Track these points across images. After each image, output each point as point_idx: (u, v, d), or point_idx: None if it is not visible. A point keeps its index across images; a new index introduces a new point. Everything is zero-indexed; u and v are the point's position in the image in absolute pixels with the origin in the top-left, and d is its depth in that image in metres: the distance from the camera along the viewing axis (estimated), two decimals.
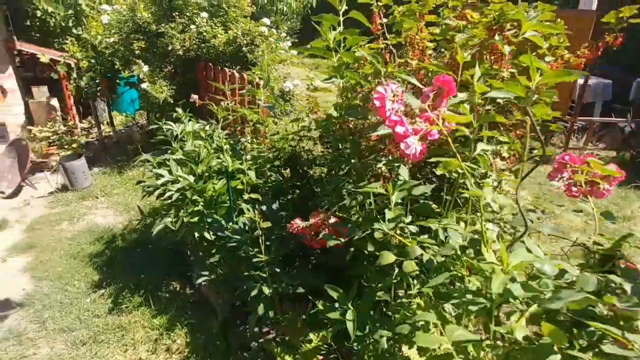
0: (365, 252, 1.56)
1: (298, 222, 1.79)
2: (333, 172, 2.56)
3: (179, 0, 4.34)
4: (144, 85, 4.18)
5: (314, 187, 2.80)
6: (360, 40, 1.96)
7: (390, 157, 1.82)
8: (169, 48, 4.20)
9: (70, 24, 5.40)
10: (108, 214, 3.97)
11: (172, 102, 4.42)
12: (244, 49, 4.11)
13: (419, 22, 1.74)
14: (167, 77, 4.47)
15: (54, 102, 6.00)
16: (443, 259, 1.32)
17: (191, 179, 2.42)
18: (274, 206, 2.44)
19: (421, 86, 1.71)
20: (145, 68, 4.20)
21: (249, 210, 2.52)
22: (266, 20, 4.28)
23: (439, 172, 1.74)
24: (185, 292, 2.84)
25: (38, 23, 6.14)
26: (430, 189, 1.47)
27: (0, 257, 3.32)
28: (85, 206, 4.12)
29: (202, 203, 2.43)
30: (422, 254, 1.31)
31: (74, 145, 5.11)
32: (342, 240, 1.53)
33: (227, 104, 3.13)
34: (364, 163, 1.87)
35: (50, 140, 5.19)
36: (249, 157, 2.71)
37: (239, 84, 3.85)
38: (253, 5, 4.75)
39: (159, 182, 2.40)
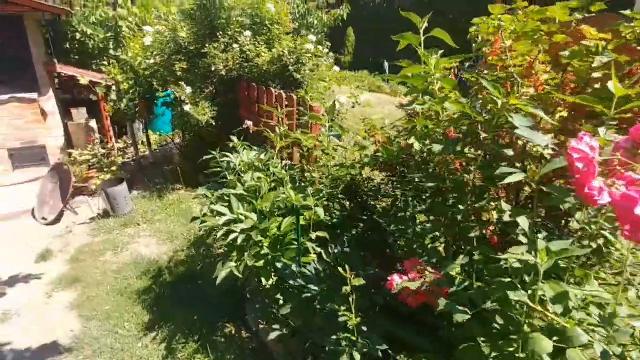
0: (496, 326, 1.29)
1: (397, 280, 1.52)
2: (405, 210, 2.30)
3: (221, 20, 4.20)
4: (186, 108, 4.04)
5: (378, 219, 2.56)
6: (445, 63, 1.72)
7: (503, 201, 1.54)
8: (212, 69, 4.05)
9: (110, 46, 5.37)
10: (151, 243, 3.81)
11: (213, 123, 4.27)
12: (290, 68, 3.92)
13: (543, 45, 1.46)
14: (208, 98, 4.32)
15: (93, 123, 5.99)
16: (620, 348, 1.03)
17: (254, 217, 2.20)
18: (346, 248, 2.19)
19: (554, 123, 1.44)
20: (189, 90, 4.06)
21: (314, 249, 2.29)
22: (311, 37, 4.09)
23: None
24: (242, 337, 2.61)
25: (77, 45, 6.18)
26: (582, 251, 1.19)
27: (45, 292, 3.19)
28: (128, 234, 3.98)
29: (266, 244, 2.20)
30: (590, 341, 1.03)
31: (114, 169, 5.03)
32: (469, 314, 1.25)
33: (281, 128, 2.94)
34: (469, 209, 1.60)
35: (90, 164, 5.13)
36: (310, 190, 2.47)
37: (287, 105, 3.65)
38: (294, 22, 4.58)
39: (221, 221, 2.19)
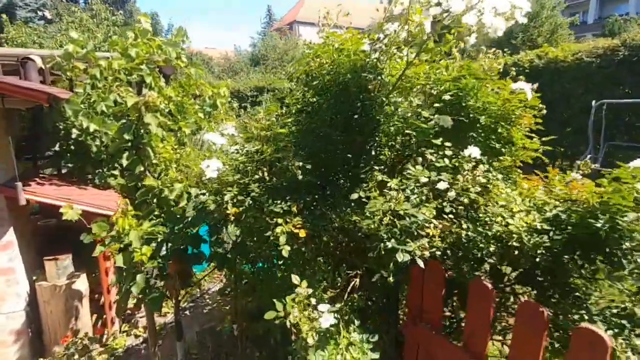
0: None
1: None
2: None
3: (393, 122, 1.68)
4: None
5: None
6: None
7: None
8: (398, 256, 1.42)
9: (124, 158, 2.87)
10: None
11: None
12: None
13: None
14: (354, 308, 1.66)
15: (80, 283, 3.35)
16: None
17: None
18: None
19: None
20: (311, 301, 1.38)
21: None
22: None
23: None
24: None
25: (73, 147, 3.80)
26: None
27: None
28: None
29: None
30: None
31: None
32: None
33: None
34: None
35: None
36: None
37: None
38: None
39: None
